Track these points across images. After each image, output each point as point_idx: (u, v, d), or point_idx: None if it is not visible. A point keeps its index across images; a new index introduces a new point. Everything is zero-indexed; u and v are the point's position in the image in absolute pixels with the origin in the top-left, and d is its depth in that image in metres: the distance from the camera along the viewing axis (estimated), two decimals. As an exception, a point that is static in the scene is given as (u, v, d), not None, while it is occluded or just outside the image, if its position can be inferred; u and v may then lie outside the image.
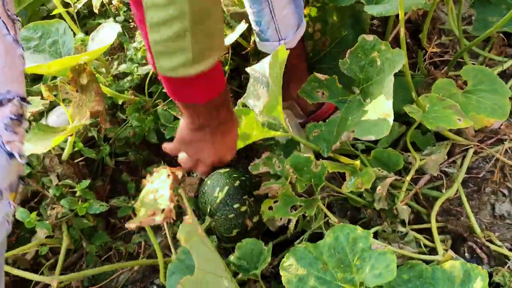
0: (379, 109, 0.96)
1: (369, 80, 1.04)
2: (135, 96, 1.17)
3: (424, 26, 1.17)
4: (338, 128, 1.06)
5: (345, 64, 1.07)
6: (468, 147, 1.18)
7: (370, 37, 1.05)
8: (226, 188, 1.08)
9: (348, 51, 1.06)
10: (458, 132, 1.19)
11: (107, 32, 0.98)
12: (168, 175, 0.84)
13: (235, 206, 1.06)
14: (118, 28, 0.98)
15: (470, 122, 0.91)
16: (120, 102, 1.17)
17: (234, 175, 1.12)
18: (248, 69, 1.00)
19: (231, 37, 1.09)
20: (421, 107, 1.04)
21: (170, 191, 0.80)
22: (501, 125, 1.25)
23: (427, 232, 1.05)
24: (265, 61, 0.95)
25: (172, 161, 1.33)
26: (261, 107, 0.98)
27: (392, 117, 0.91)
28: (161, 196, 0.79)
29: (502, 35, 1.48)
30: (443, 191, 1.11)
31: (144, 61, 1.19)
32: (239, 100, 1.08)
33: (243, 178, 1.12)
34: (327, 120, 1.10)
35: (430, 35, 1.58)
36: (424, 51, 1.47)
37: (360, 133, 0.96)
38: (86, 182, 1.05)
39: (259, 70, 1.01)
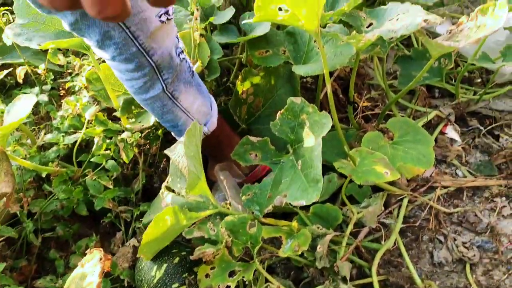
0: (310, 173, 0.96)
1: (300, 142, 1.05)
2: (62, 167, 1.11)
3: (351, 83, 1.22)
4: (271, 191, 1.05)
5: (276, 126, 1.08)
6: (403, 196, 1.20)
7: (298, 100, 1.06)
8: (164, 266, 1.00)
9: (278, 113, 1.08)
10: (392, 183, 1.22)
11: (23, 104, 0.94)
12: (101, 259, 0.78)
13: (174, 286, 0.99)
14: (34, 99, 0.94)
15: (397, 174, 0.92)
16: (44, 175, 1.11)
17: (173, 251, 1.05)
18: (166, 151, 0.97)
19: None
20: (353, 160, 1.06)
21: (99, 280, 0.74)
22: (432, 172, 1.30)
23: (370, 286, 1.03)
24: (180, 142, 0.93)
25: (107, 233, 1.26)
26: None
27: (322, 183, 0.91)
28: (89, 284, 0.73)
29: (424, 88, 1.58)
30: (383, 242, 1.11)
31: (71, 130, 1.15)
32: (163, 184, 1.04)
33: (184, 253, 1.05)
34: (261, 182, 1.08)
35: (361, 90, 1.65)
36: (356, 105, 1.53)
37: (291, 198, 0.95)
38: (1, 266, 0.95)
39: (176, 152, 0.97)
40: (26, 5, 1.10)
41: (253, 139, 1.10)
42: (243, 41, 1.31)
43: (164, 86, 0.97)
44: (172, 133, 1.16)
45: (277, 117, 1.08)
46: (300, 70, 1.16)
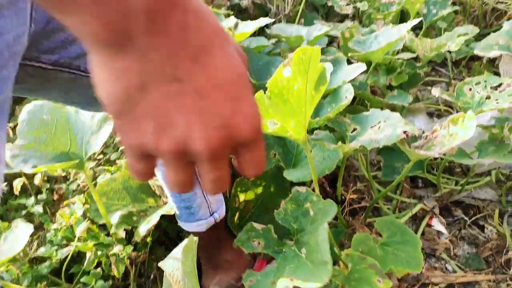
0: (316, 257, 0.97)
1: (303, 230, 1.07)
2: (52, 283, 1.11)
3: (338, 182, 1.27)
4: (274, 278, 1.04)
5: (279, 215, 1.10)
6: (395, 297, 1.21)
7: (303, 189, 1.10)
8: None
9: (283, 201, 1.11)
10: (384, 283, 1.23)
11: (20, 233, 0.96)
12: None
13: None
14: (31, 229, 0.97)
15: (389, 283, 0.94)
16: (35, 294, 1.10)
17: None
18: (160, 264, 0.98)
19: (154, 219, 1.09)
20: (344, 265, 1.08)
21: None
22: (422, 269, 1.32)
23: None
24: (175, 254, 0.95)
25: None
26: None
27: (331, 263, 0.92)
28: None
29: (408, 180, 1.64)
30: None
31: (64, 242, 1.16)
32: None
33: None
34: (263, 270, 1.08)
35: (347, 182, 1.71)
36: (343, 197, 1.58)
37: (299, 281, 0.95)
38: None
39: (171, 266, 0.98)
40: (30, 127, 1.17)
41: (257, 226, 1.11)
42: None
43: None
44: (178, 218, 1.16)
45: (281, 206, 1.11)
46: (291, 176, 1.22)
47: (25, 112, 1.19)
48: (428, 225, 1.50)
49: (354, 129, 1.24)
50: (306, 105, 1.05)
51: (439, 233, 1.48)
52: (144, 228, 1.04)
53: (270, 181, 1.37)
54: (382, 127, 1.13)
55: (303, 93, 1.02)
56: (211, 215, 1.16)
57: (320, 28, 1.74)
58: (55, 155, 1.14)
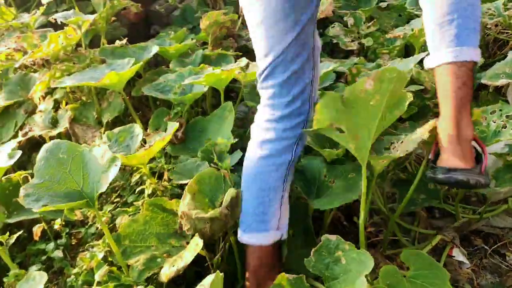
0: None
1: (336, 278, 1.06)
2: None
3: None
4: None
5: (310, 262, 1.09)
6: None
7: (333, 237, 1.10)
8: None
9: (313, 249, 1.10)
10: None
11: (36, 283, 0.95)
12: None
13: None
14: (45, 278, 0.96)
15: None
16: None
17: None
18: None
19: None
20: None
21: None
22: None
23: None
24: None
25: None
26: None
27: None
28: None
29: (424, 210, 1.64)
30: None
31: (85, 287, 1.14)
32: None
33: None
34: None
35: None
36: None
37: None
38: None
39: None
40: (46, 166, 1.18)
41: (289, 276, 1.07)
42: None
43: (292, 158, 1.16)
44: (242, 230, 1.19)
45: (311, 254, 1.10)
46: (319, 205, 1.26)
47: (43, 150, 1.22)
48: (449, 256, 1.48)
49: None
50: (377, 124, 1.04)
51: (460, 263, 1.46)
52: (172, 269, 1.02)
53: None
54: (397, 147, 1.16)
55: (377, 110, 1.01)
56: (277, 229, 1.18)
57: (328, 65, 1.79)
58: (66, 194, 1.15)
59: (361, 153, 1.09)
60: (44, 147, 1.21)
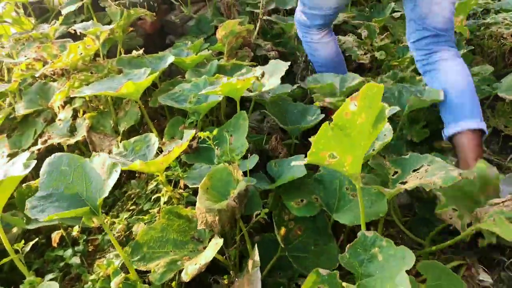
0: None
1: (370, 276, 1.04)
2: None
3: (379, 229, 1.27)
4: None
5: (344, 259, 1.08)
6: None
7: (370, 233, 1.09)
8: None
9: (348, 245, 1.10)
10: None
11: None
12: None
13: None
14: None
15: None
16: None
17: None
18: None
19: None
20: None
21: None
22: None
23: None
24: None
25: None
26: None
27: None
28: None
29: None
30: None
31: (104, 293, 1.16)
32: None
33: None
34: None
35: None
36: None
37: None
38: None
39: None
40: (49, 179, 1.22)
41: (323, 271, 1.06)
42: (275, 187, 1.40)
43: None
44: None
45: (346, 250, 1.10)
46: (343, 219, 1.27)
47: (46, 163, 1.26)
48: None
49: (396, 172, 1.25)
50: (365, 141, 1.06)
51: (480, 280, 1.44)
52: (194, 267, 1.04)
53: (310, 221, 1.37)
54: (430, 171, 1.15)
55: (365, 128, 1.03)
56: None
57: (353, 78, 1.80)
58: (70, 203, 1.18)
59: (354, 171, 1.10)
60: (47, 161, 1.26)
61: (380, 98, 1.01)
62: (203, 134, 1.33)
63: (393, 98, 1.71)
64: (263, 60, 2.36)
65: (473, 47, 2.14)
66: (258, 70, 1.70)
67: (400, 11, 2.63)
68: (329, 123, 1.00)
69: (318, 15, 1.87)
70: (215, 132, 1.36)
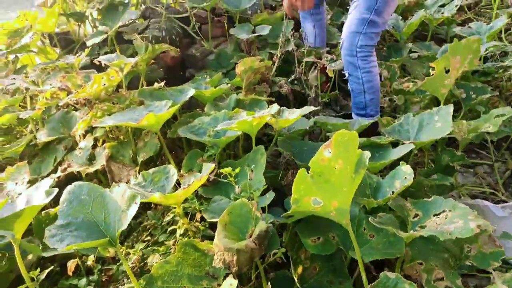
0: None
1: None
2: None
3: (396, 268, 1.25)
4: None
5: None
6: None
7: (392, 275, 1.09)
8: None
9: (369, 286, 1.10)
10: None
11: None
12: None
13: None
14: None
15: None
16: None
17: None
18: None
19: None
20: None
21: None
22: None
23: None
24: None
25: None
26: None
27: None
28: None
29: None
30: None
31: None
32: None
33: None
34: None
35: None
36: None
37: None
38: None
39: None
40: (69, 208, 1.24)
41: None
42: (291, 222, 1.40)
43: None
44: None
45: None
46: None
47: (66, 192, 1.28)
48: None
49: (416, 215, 1.24)
50: (347, 186, 1.08)
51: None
52: None
53: (327, 260, 1.35)
54: (450, 218, 1.14)
55: (344, 173, 1.06)
56: None
57: (359, 123, 1.84)
58: (89, 234, 1.19)
59: (342, 216, 1.11)
60: (67, 189, 1.28)
61: (356, 144, 1.05)
62: (225, 171, 1.34)
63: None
64: (277, 96, 2.39)
65: (496, 93, 2.14)
66: (274, 107, 1.72)
67: (418, 52, 2.67)
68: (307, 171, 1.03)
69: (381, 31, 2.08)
70: (237, 170, 1.37)
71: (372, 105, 2.13)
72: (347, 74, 2.14)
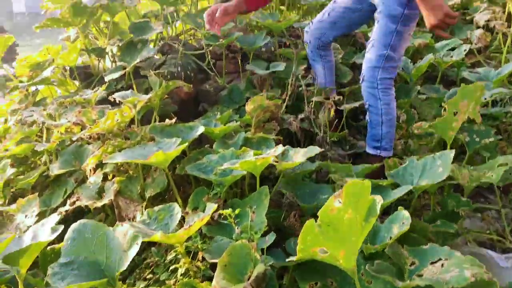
0: None
1: None
2: None
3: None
4: None
5: None
6: None
7: None
8: None
9: None
10: None
11: None
12: None
13: None
14: None
15: None
16: None
17: None
18: None
19: None
20: None
21: None
22: None
23: None
24: None
25: None
26: None
27: None
28: None
29: None
30: None
31: None
32: None
33: None
34: None
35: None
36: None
37: None
38: None
39: None
40: (73, 246, 1.27)
41: None
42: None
43: None
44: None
45: None
46: None
47: (71, 230, 1.32)
48: None
49: (413, 263, 1.24)
50: (357, 235, 1.09)
51: None
52: None
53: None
54: (446, 266, 1.13)
55: (354, 223, 1.06)
56: None
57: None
58: (89, 273, 1.23)
59: (349, 265, 1.11)
60: (72, 227, 1.32)
61: (368, 193, 1.05)
62: (225, 212, 1.37)
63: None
64: (285, 134, 2.43)
65: (501, 137, 2.14)
66: (279, 149, 1.75)
67: (426, 94, 2.69)
68: (315, 220, 1.03)
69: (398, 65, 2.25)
70: (237, 211, 1.40)
71: (387, 138, 2.21)
72: (366, 106, 2.23)
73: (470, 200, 1.79)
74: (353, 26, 2.65)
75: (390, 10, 2.07)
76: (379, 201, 1.14)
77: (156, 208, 1.58)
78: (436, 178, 1.61)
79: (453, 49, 3.01)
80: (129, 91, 2.26)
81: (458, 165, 1.84)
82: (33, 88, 2.97)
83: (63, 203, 2.02)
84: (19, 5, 36.97)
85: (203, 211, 1.72)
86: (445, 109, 1.92)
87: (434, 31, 1.91)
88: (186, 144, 1.86)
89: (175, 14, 3.61)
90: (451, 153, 1.63)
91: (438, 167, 1.64)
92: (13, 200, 2.21)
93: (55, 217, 1.46)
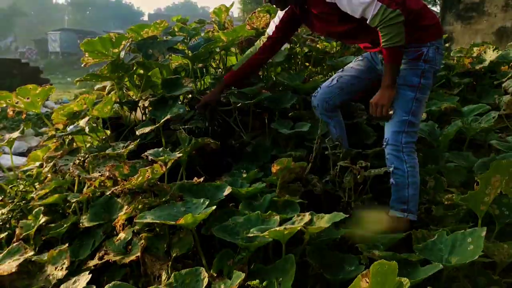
0: None
1: None
2: None
3: None
4: None
5: None
6: None
7: None
8: None
9: None
10: None
11: None
12: None
13: None
14: None
15: None
16: None
17: None
18: None
19: None
20: None
21: None
22: None
23: None
24: None
25: None
26: None
27: None
28: None
29: None
30: None
31: None
32: None
33: None
34: None
35: None
36: None
37: None
38: None
39: None
40: None
41: None
42: None
43: None
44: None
45: None
46: None
47: None
48: None
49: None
50: None
51: None
52: None
53: None
54: None
55: None
56: None
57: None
58: None
59: None
60: None
61: (395, 275, 1.06)
62: (252, 283, 1.38)
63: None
64: (309, 195, 2.45)
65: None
66: (305, 217, 1.77)
67: (455, 162, 2.69)
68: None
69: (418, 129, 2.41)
70: (265, 283, 1.41)
71: (414, 201, 2.25)
72: (390, 170, 2.28)
73: (501, 278, 1.75)
74: (360, 93, 2.83)
75: (407, 81, 2.25)
76: (406, 284, 1.14)
77: (183, 272, 1.60)
78: (467, 256, 1.59)
79: (480, 114, 3.03)
80: (161, 149, 2.34)
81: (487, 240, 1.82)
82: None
83: (91, 255, 2.06)
84: (54, 45, 38.96)
85: (227, 275, 1.74)
86: (477, 183, 1.92)
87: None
88: (214, 207, 1.89)
89: (204, 70, 3.76)
90: (482, 231, 1.63)
91: (469, 245, 1.63)
92: (43, 247, 2.26)
93: (86, 276, 1.49)
